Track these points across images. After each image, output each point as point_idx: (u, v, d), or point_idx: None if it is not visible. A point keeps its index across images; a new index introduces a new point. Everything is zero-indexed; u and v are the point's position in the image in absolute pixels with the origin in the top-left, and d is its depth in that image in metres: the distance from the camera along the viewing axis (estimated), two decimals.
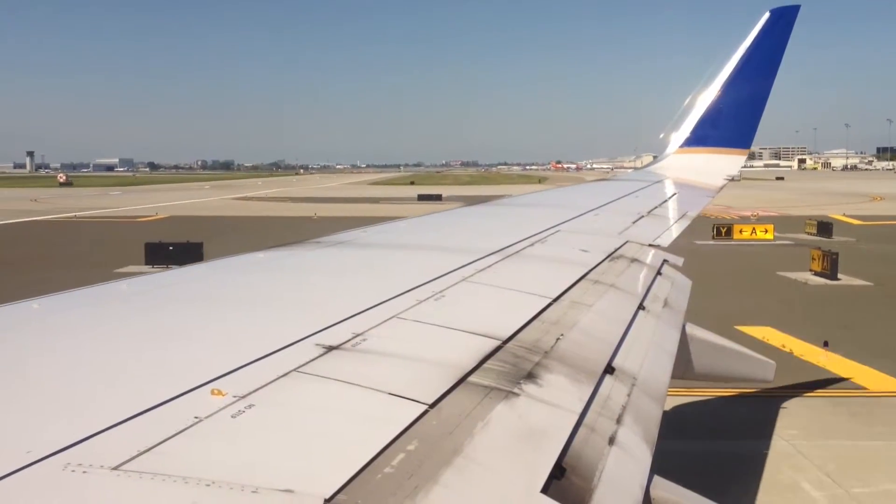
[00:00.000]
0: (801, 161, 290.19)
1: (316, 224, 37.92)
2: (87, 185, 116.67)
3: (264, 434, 1.81)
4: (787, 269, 24.28)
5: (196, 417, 1.80)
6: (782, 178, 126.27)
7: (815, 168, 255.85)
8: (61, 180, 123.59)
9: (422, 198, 63.97)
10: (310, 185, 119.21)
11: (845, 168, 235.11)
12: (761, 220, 38.37)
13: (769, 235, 33.35)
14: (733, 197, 62.34)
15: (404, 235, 6.00)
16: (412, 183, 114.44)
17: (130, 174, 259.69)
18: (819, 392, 11.96)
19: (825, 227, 34.24)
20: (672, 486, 2.39)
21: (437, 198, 63.03)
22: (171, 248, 24.97)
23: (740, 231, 33.64)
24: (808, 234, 34.62)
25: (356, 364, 2.34)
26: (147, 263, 23.98)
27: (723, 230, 33.47)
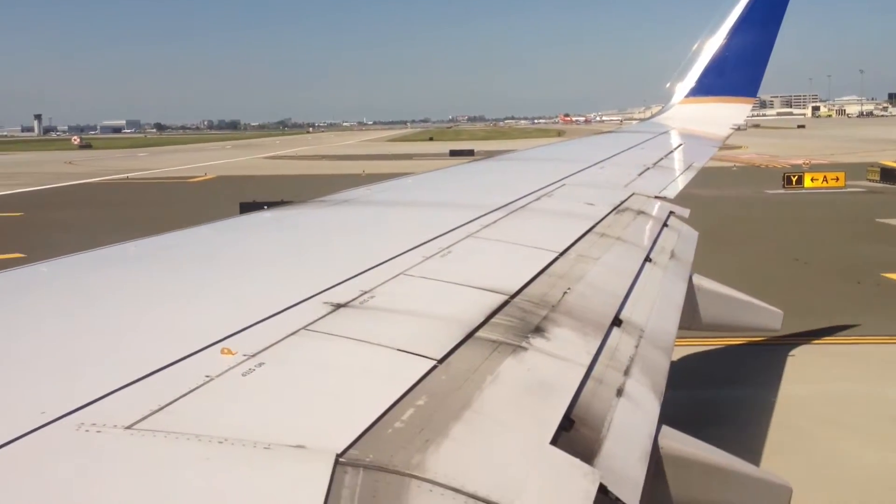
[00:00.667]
0: (815, 109, 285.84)
1: (366, 180, 36.73)
2: (106, 147, 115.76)
3: (275, 392, 1.83)
4: (885, 216, 23.86)
5: (207, 376, 1.82)
6: (803, 127, 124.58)
7: (830, 115, 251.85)
8: (76, 143, 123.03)
9: (454, 153, 62.95)
10: (328, 143, 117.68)
11: (861, 115, 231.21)
12: (813, 168, 37.99)
13: (841, 183, 33.11)
14: (770, 145, 61.64)
15: (410, 192, 5.99)
16: (431, 139, 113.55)
17: (141, 135, 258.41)
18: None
19: (889, 174, 34.12)
20: (680, 435, 2.41)
21: (470, 153, 61.84)
22: (265, 206, 24.74)
23: (812, 179, 33.37)
24: (871, 181, 34.44)
25: (364, 321, 2.35)
26: None
27: (793, 179, 33.34)
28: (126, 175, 50.14)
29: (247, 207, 24.61)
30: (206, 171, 50.30)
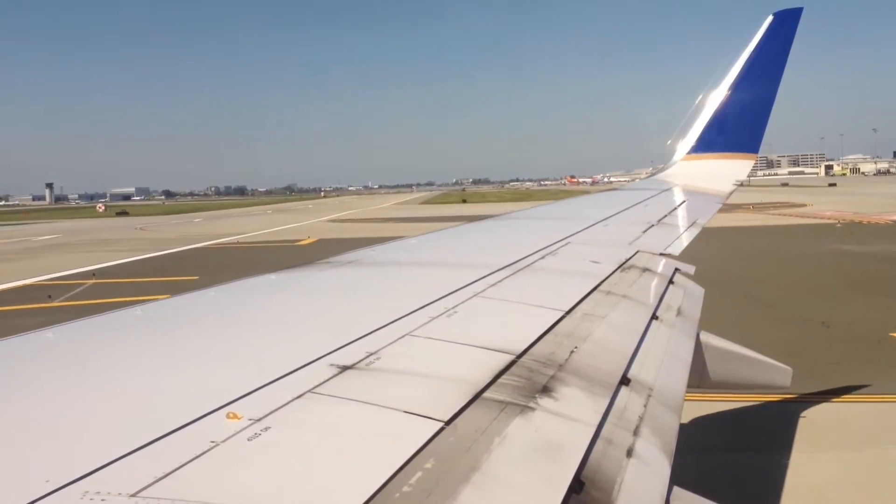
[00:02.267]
0: (829, 167, 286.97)
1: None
2: (142, 213, 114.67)
3: (280, 457, 1.81)
4: None
5: (212, 442, 1.81)
6: (835, 185, 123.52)
7: (845, 174, 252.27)
8: (101, 210, 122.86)
9: None
10: (361, 206, 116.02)
11: (878, 173, 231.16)
12: None
13: None
14: (830, 203, 61.46)
15: (413, 253, 6.01)
16: (464, 201, 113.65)
17: (159, 202, 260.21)
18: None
19: None
20: (692, 496, 2.37)
21: None
22: None
23: None
24: None
25: (370, 383, 2.34)
26: None
27: None
28: (235, 238, 49.02)
29: None
30: (308, 235, 49.32)
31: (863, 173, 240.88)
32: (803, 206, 60.01)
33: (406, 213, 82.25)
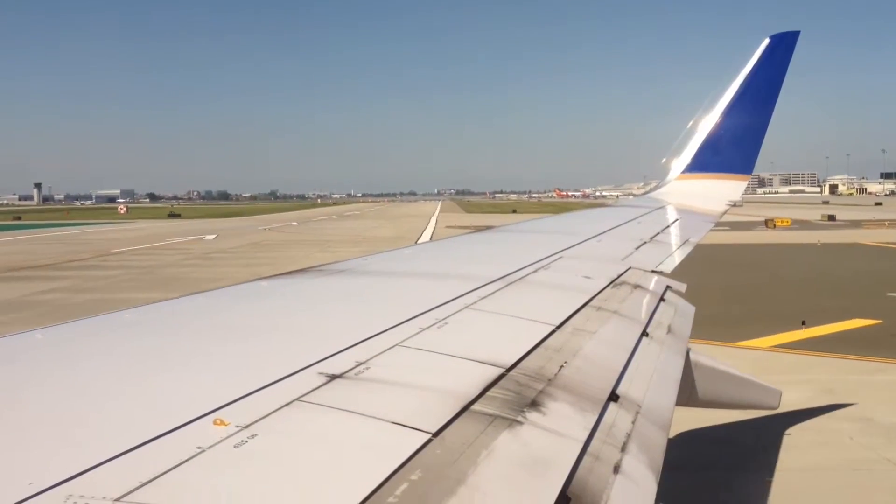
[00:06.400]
0: (833, 187, 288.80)
1: None
2: (198, 216, 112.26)
3: (267, 464, 1.80)
4: None
5: (198, 448, 1.80)
6: (881, 204, 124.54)
7: (851, 194, 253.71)
8: (122, 212, 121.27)
9: None
10: (391, 214, 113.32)
11: (890, 194, 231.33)
12: None
13: None
14: None
15: (406, 263, 6.00)
16: (514, 211, 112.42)
17: (169, 204, 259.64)
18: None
19: None
20: None
21: None
22: None
23: None
24: None
25: (359, 393, 2.33)
26: None
27: None
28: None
29: None
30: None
31: (870, 193, 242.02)
32: (884, 224, 61.42)
33: (465, 222, 78.06)
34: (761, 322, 19.60)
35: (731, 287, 26.53)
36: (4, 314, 22.21)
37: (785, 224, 61.40)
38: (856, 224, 63.21)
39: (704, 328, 18.21)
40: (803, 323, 18.27)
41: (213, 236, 58.08)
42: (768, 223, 60.88)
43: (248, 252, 44.06)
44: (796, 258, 37.91)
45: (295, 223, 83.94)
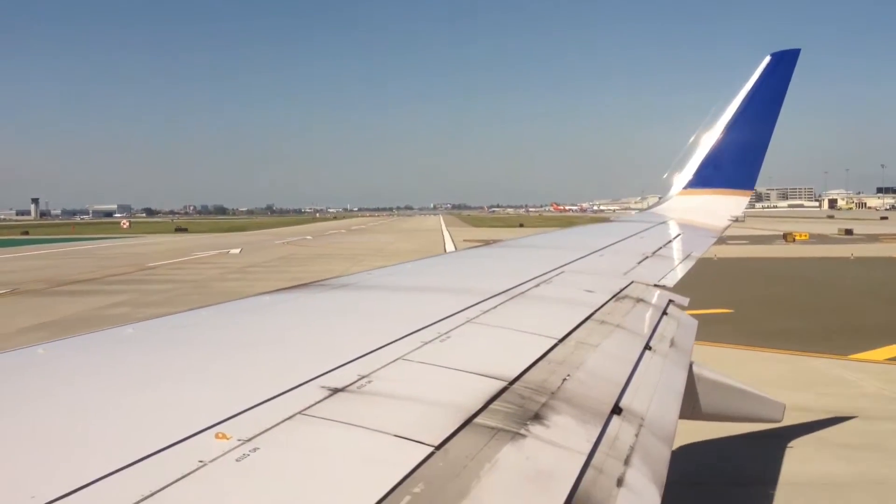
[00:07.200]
0: (833, 202, 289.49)
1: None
2: (203, 230, 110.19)
3: (269, 478, 1.80)
4: None
5: (200, 461, 1.79)
6: (886, 218, 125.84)
7: (851, 209, 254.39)
8: (125, 227, 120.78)
9: None
10: (416, 226, 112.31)
11: (890, 208, 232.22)
12: None
13: None
14: None
15: (409, 277, 6.01)
16: (521, 225, 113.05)
17: (169, 220, 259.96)
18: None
19: None
20: None
21: None
22: None
23: None
24: None
25: (361, 406, 2.33)
26: None
27: None
28: None
29: None
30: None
31: (869, 208, 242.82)
32: None
33: (483, 236, 75.27)
34: (859, 335, 19.48)
35: (803, 300, 26.34)
36: (91, 329, 21.97)
37: (804, 238, 61.00)
38: (873, 238, 62.81)
39: (813, 342, 18.32)
40: None
41: (237, 250, 57.68)
42: (787, 237, 60.47)
43: (282, 266, 43.64)
44: (843, 271, 37.24)
45: (309, 237, 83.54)
